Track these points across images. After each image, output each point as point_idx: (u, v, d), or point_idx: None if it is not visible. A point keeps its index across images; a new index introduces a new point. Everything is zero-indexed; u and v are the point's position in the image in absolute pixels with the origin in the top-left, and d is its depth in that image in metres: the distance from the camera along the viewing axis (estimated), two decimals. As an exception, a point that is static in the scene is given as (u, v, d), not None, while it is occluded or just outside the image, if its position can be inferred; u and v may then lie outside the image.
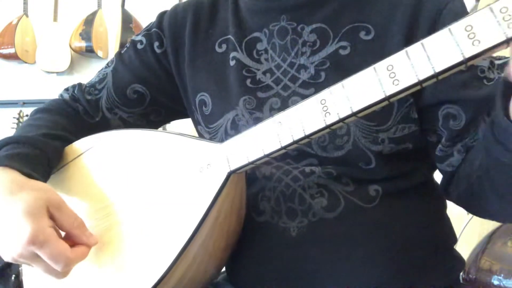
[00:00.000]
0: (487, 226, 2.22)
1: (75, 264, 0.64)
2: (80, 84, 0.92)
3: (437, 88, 0.69)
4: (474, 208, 0.74)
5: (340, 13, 0.76)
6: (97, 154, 0.76)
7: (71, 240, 0.65)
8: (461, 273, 0.83)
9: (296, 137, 0.56)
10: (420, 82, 0.47)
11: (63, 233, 0.66)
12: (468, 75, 0.68)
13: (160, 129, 0.92)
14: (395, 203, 0.72)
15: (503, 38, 0.44)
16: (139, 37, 0.88)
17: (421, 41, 0.48)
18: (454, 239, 0.81)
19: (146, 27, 0.90)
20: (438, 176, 0.79)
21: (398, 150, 0.72)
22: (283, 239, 0.72)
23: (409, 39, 0.70)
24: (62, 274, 0.63)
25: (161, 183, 0.68)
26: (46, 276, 0.68)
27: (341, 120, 0.53)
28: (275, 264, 0.73)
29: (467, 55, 0.46)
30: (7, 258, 0.62)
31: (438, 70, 0.46)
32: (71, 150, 0.79)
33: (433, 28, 0.70)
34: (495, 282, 1.47)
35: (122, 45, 2.84)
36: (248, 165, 0.61)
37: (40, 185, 0.67)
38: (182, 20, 0.85)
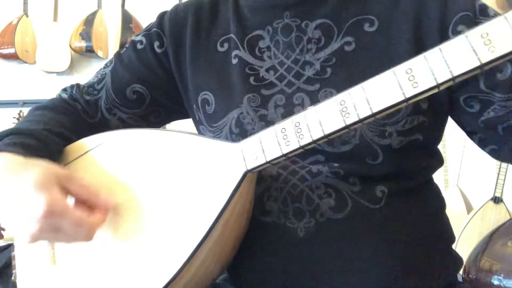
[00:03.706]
0: (487, 226, 2.25)
1: (97, 228, 0.64)
2: (78, 85, 0.91)
3: None
4: None
5: (343, 7, 0.76)
6: (107, 152, 0.75)
7: (85, 208, 0.65)
8: (460, 273, 0.82)
9: (315, 137, 0.57)
10: (438, 85, 0.49)
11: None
12: None
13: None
14: (399, 203, 0.72)
15: None
16: (139, 37, 0.88)
17: (439, 46, 0.49)
18: (452, 239, 0.81)
19: (146, 27, 0.89)
20: (437, 176, 0.79)
21: (408, 142, 0.72)
22: (290, 239, 0.71)
23: (417, 33, 0.71)
24: (88, 238, 0.63)
25: (175, 183, 0.68)
26: (43, 278, 0.67)
27: (361, 120, 0.54)
28: (282, 265, 0.72)
29: (484, 61, 0.48)
30: (28, 239, 0.60)
31: (455, 74, 0.48)
32: (79, 146, 0.78)
33: (443, 18, 0.71)
34: (495, 282, 1.48)
35: (122, 45, 2.83)
36: (265, 164, 0.62)
37: (44, 163, 0.65)
38: (183, 20, 0.85)
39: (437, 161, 0.81)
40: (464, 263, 0.99)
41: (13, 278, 2.29)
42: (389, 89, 0.51)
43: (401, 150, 0.71)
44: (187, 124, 0.93)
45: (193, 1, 0.88)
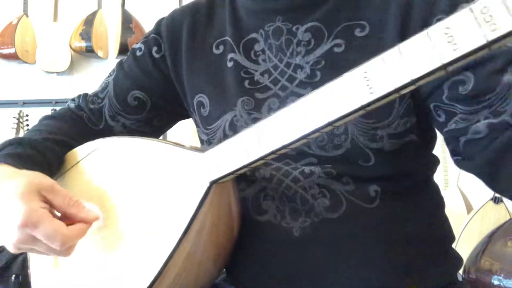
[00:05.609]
0: (487, 226, 2.22)
1: (74, 241, 0.63)
2: (85, 94, 0.94)
3: None
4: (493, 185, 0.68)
5: (335, 12, 0.75)
6: (96, 161, 0.76)
7: (69, 220, 0.65)
8: (460, 273, 0.81)
9: (275, 147, 0.55)
10: (397, 90, 0.46)
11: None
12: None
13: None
14: (395, 202, 0.72)
15: (484, 42, 0.41)
16: (138, 45, 0.90)
17: (398, 46, 0.45)
18: (452, 238, 0.81)
19: (145, 35, 0.91)
20: (437, 176, 0.77)
21: (402, 144, 0.71)
22: (285, 239, 0.71)
23: (403, 33, 0.69)
24: (64, 252, 0.63)
25: (149, 194, 0.68)
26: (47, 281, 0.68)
27: (318, 129, 0.52)
28: (277, 264, 0.72)
29: (445, 61, 0.43)
30: (10, 248, 0.62)
31: (415, 77, 0.44)
32: (72, 156, 0.80)
33: (427, 18, 0.68)
34: (495, 282, 1.46)
35: (122, 45, 2.87)
36: (229, 174, 0.60)
37: (30, 172, 0.66)
38: (179, 24, 0.86)
39: (433, 160, 0.81)
40: (464, 263, 0.98)
41: (13, 278, 2.30)
42: (345, 97, 0.49)
43: (394, 152, 0.71)
44: (188, 126, 0.93)
45: (190, 4, 0.89)
